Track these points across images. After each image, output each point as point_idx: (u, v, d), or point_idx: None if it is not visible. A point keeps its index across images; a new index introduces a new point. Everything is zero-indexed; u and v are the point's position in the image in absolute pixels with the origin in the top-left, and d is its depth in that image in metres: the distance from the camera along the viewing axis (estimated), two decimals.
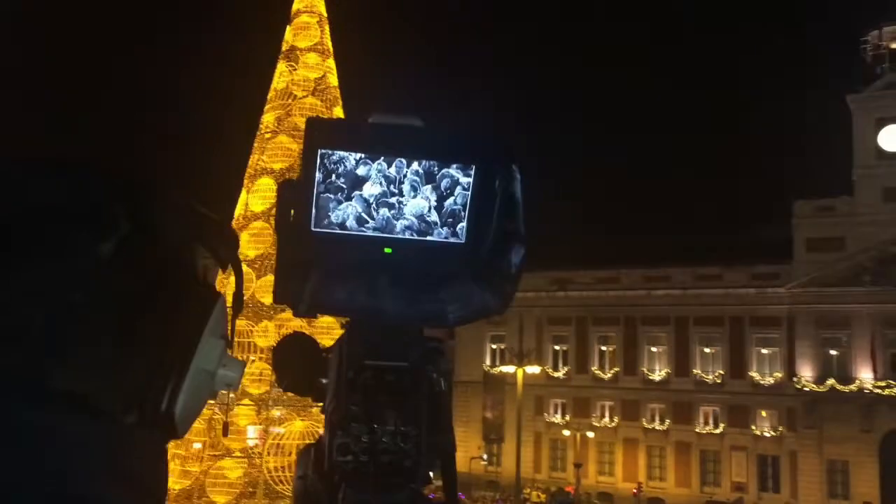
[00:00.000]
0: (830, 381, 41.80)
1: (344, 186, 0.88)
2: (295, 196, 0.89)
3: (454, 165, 0.85)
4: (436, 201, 0.86)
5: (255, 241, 30.85)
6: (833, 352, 42.72)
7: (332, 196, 0.88)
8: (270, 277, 30.52)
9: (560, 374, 50.00)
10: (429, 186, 0.86)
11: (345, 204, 0.88)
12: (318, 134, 0.89)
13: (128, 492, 0.64)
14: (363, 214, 0.88)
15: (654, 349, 47.66)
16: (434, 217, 0.85)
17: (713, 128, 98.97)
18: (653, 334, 47.44)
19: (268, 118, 30.05)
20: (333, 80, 30.19)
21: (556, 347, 50.49)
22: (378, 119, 0.85)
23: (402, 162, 0.87)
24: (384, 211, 0.87)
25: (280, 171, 29.31)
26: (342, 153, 0.87)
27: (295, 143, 29.95)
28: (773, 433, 43.84)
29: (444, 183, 0.85)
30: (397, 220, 0.87)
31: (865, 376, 41.25)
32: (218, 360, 0.71)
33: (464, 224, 0.85)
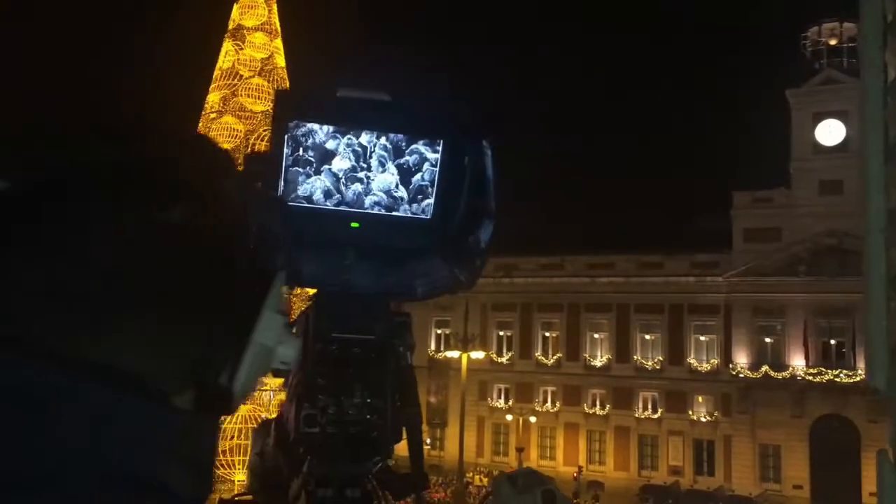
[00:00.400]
0: (764, 368, 42.95)
1: (313, 160, 0.87)
2: (263, 169, 0.90)
3: (422, 141, 0.85)
4: (403, 177, 0.85)
5: None
6: (768, 339, 43.89)
7: (300, 170, 0.88)
8: None
9: (504, 359, 50.43)
10: (396, 162, 0.86)
11: (314, 178, 0.88)
12: (289, 105, 0.89)
13: (187, 473, 0.61)
14: (331, 188, 0.88)
15: (596, 335, 48.37)
16: (402, 193, 0.86)
17: (658, 120, 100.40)
18: (595, 321, 48.14)
19: (213, 98, 29.49)
20: (281, 60, 29.75)
21: (501, 333, 50.90)
22: (346, 93, 0.85)
23: (371, 136, 0.86)
24: (355, 186, 0.87)
25: None
26: (312, 125, 0.87)
27: (241, 124, 29.51)
28: (708, 418, 44.92)
29: (412, 159, 0.85)
30: (366, 195, 0.87)
31: (798, 364, 42.47)
32: (277, 336, 0.68)
33: (431, 200, 0.85)
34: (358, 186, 0.86)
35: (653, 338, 46.87)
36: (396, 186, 0.84)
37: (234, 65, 30.40)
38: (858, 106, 1.51)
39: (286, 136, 0.86)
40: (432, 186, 0.84)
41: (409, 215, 0.84)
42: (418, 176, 0.84)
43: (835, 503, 39.48)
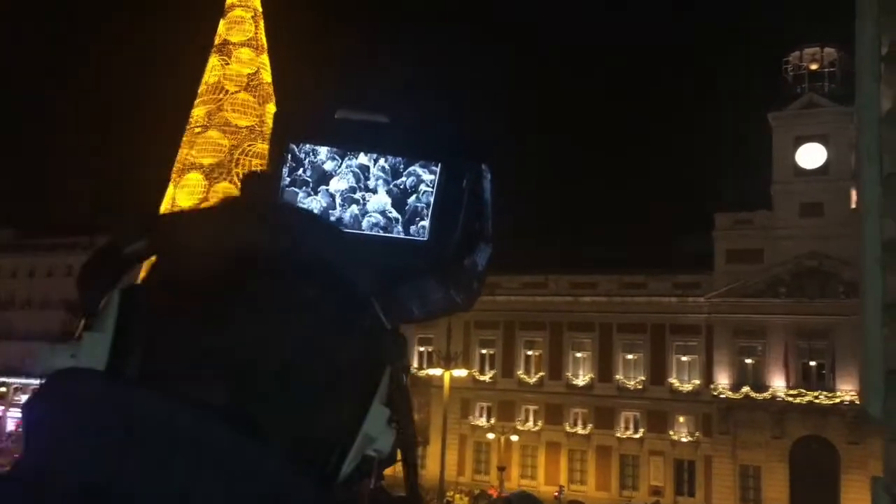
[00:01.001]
0: (745, 389, 43.14)
1: (310, 180, 0.87)
2: (262, 189, 0.89)
3: (420, 163, 0.84)
4: (400, 198, 0.85)
5: None
6: (748, 360, 44.11)
7: (297, 190, 0.87)
8: None
9: (486, 377, 50.32)
10: (394, 183, 0.85)
11: (310, 198, 0.87)
12: (291, 125, 0.89)
13: None
14: (328, 210, 0.87)
15: (578, 355, 48.40)
16: (395, 214, 0.85)
17: (643, 142, 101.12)
18: (578, 340, 48.19)
19: (198, 112, 29.47)
20: (267, 76, 29.78)
21: (483, 351, 50.80)
22: (344, 115, 0.85)
23: (370, 158, 0.86)
24: (352, 208, 0.86)
25: (209, 166, 28.74)
26: (312, 146, 0.87)
27: (226, 139, 29.46)
28: (689, 438, 44.99)
29: (409, 180, 0.85)
30: (364, 216, 0.86)
31: (778, 384, 42.70)
32: (381, 428, 0.67)
33: (426, 222, 0.85)
34: (355, 208, 0.87)
35: (635, 357, 46.97)
36: (392, 208, 0.85)
37: (219, 80, 30.45)
38: (858, 136, 1.52)
39: (287, 157, 0.86)
40: (428, 208, 0.84)
41: (405, 237, 0.85)
42: (414, 197, 0.84)
43: None
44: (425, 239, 0.82)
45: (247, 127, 31.33)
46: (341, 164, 0.86)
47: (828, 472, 41.44)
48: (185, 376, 0.61)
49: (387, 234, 0.84)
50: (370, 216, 0.86)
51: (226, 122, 30.22)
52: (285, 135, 0.87)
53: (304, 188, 0.87)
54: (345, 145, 0.87)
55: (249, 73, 31.00)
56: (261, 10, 31.00)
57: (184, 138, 29.89)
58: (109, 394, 0.59)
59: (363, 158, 0.86)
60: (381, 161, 0.85)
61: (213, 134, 30.13)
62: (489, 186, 0.80)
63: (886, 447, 1.36)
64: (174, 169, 30.06)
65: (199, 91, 31.23)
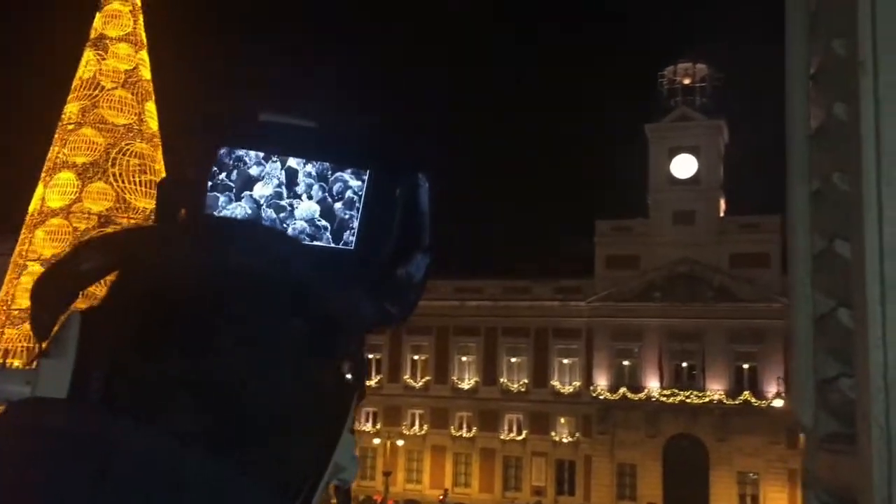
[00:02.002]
0: (622, 390, 44.67)
1: (233, 185, 0.81)
2: (186, 196, 0.83)
3: (348, 170, 0.80)
4: (326, 206, 0.81)
5: (50, 240, 28.61)
6: (626, 362, 45.70)
7: (219, 195, 0.83)
8: None
9: (372, 382, 50.11)
10: (320, 190, 0.81)
11: (233, 204, 0.83)
12: (218, 129, 0.83)
13: None
14: (251, 215, 0.82)
15: (464, 359, 48.89)
16: (324, 222, 0.80)
17: (527, 150, 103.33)
18: (463, 344, 48.68)
19: (71, 108, 28.01)
20: (146, 73, 28.61)
21: (370, 356, 50.59)
22: (269, 118, 0.80)
23: (297, 163, 0.81)
24: (273, 213, 0.82)
25: (83, 165, 27.35)
26: (241, 151, 0.81)
27: (101, 137, 28.10)
28: (570, 439, 46.18)
29: (336, 187, 0.80)
30: (288, 223, 0.84)
31: (653, 385, 44.43)
32: (349, 457, 0.65)
33: (354, 230, 0.82)
34: (280, 214, 0.86)
35: (519, 361, 47.85)
36: (319, 215, 0.84)
37: (95, 75, 29.02)
38: (786, 154, 1.59)
39: (214, 162, 0.85)
40: (356, 216, 0.84)
41: (332, 245, 0.84)
42: (340, 205, 0.84)
43: None
44: (352, 249, 0.81)
45: (124, 125, 29.97)
46: (265, 168, 0.82)
47: (698, 468, 43.46)
48: (156, 404, 0.57)
49: (313, 243, 0.83)
50: (296, 223, 0.83)
51: (101, 120, 28.79)
52: (214, 140, 0.83)
53: (226, 193, 0.83)
54: (271, 150, 0.84)
55: (127, 70, 29.66)
56: (140, 4, 29.71)
57: (55, 135, 28.28)
58: (81, 422, 0.55)
59: (291, 163, 0.83)
60: (308, 166, 0.82)
61: (87, 132, 28.64)
62: (426, 196, 0.78)
63: (811, 454, 1.41)
64: (44, 168, 28.39)
65: (72, 86, 29.64)
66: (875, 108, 1.31)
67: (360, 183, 0.80)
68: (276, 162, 0.81)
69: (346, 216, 0.80)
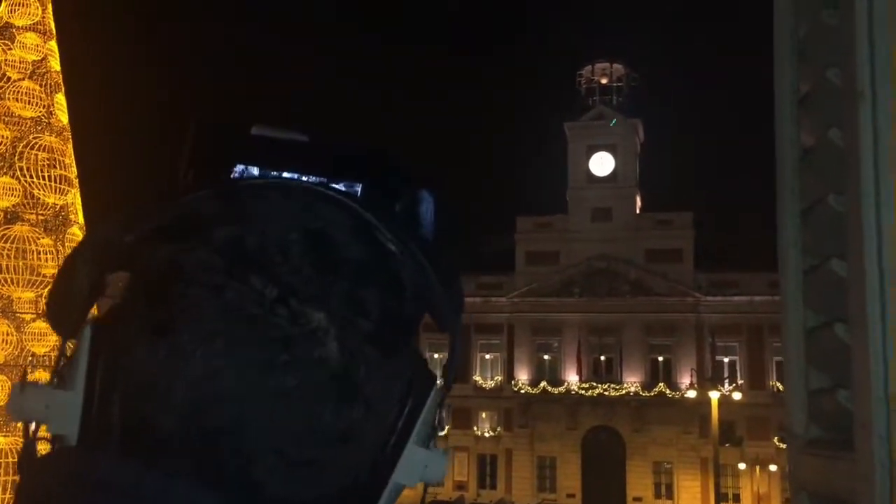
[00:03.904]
0: (543, 384, 45.36)
1: None
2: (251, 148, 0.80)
3: (342, 184, 0.80)
4: None
5: None
6: (546, 356, 46.43)
7: None
8: None
9: None
10: None
11: None
12: (235, 146, 0.81)
13: None
14: None
15: None
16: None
17: (448, 146, 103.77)
18: None
19: None
20: (56, 64, 27.54)
21: None
22: (260, 131, 0.82)
23: (290, 178, 0.81)
24: None
25: None
26: (240, 167, 0.81)
27: (8, 130, 26.91)
28: (492, 433, 46.65)
29: None
30: None
31: (572, 379, 45.26)
32: (419, 473, 0.58)
33: None
34: None
35: (441, 357, 47.86)
36: None
37: (0, 66, 27.76)
38: (777, 167, 1.67)
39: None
40: None
41: None
42: None
43: None
44: None
45: (32, 118, 28.84)
46: None
47: (615, 459, 44.52)
48: (183, 451, 0.52)
49: None
50: None
51: (7, 112, 27.64)
52: (219, 156, 0.82)
53: None
54: (268, 165, 0.82)
55: (35, 60, 28.51)
56: None
57: None
58: (120, 474, 0.51)
59: (284, 177, 0.83)
60: (303, 181, 0.82)
61: None
62: (430, 212, 0.73)
63: (796, 459, 1.49)
64: None
65: None
66: (874, 136, 1.40)
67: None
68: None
69: None
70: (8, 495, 19.68)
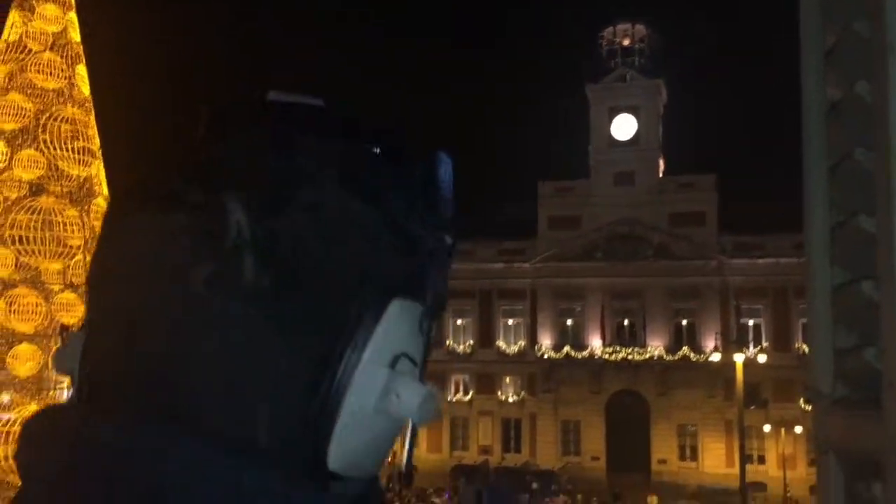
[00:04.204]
0: (566, 349, 45.46)
1: None
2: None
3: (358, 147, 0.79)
4: None
5: None
6: (569, 321, 46.46)
7: None
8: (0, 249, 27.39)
9: None
10: None
11: None
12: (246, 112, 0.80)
13: None
14: None
15: None
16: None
17: (470, 113, 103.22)
18: None
19: None
20: (76, 34, 27.62)
21: None
22: (277, 97, 0.81)
23: None
24: None
25: (11, 132, 26.43)
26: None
27: (30, 103, 27.09)
28: (516, 398, 46.93)
29: None
30: None
31: (595, 343, 45.31)
32: (381, 393, 0.57)
33: None
34: None
35: (464, 323, 48.26)
36: None
37: (21, 38, 27.90)
38: (803, 122, 1.64)
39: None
40: None
41: None
42: None
43: (627, 471, 42.60)
44: None
45: (54, 90, 28.99)
46: None
47: (639, 422, 44.67)
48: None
49: None
50: None
51: (30, 84, 27.77)
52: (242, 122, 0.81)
53: None
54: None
55: (55, 32, 28.59)
56: None
57: None
58: (125, 436, 0.52)
59: None
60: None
61: (15, 97, 27.62)
62: (447, 173, 0.73)
63: (822, 419, 1.47)
64: None
65: None
66: None
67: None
68: None
69: None
70: None
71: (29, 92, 27.27)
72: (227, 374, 0.53)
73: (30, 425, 0.56)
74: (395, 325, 0.58)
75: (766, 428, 40.63)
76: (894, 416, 1.41)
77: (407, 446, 0.64)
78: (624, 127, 47.94)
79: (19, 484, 0.55)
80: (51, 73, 27.68)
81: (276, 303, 0.54)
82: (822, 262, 1.67)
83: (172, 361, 0.54)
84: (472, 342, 47.89)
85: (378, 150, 0.67)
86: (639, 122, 47.71)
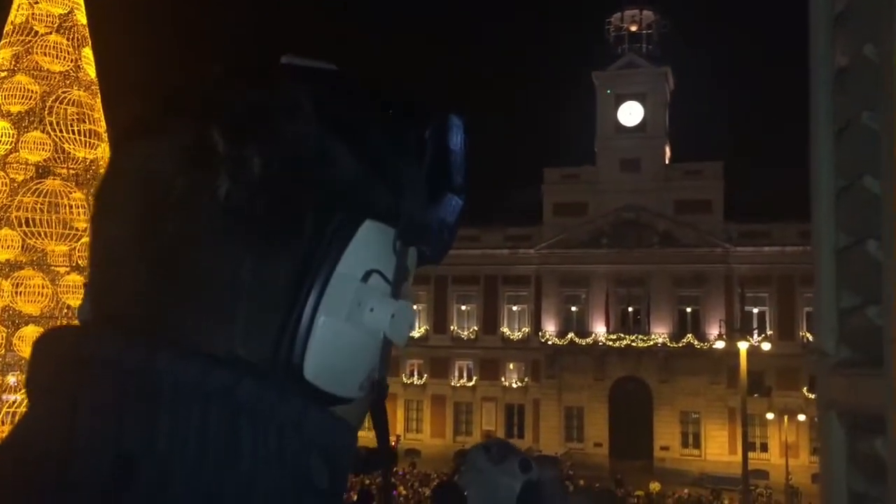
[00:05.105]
0: (570, 335, 45.51)
1: None
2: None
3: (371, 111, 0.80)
4: None
5: None
6: (573, 308, 46.51)
7: None
8: (6, 231, 27.50)
9: None
10: None
11: None
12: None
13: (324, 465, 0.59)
14: None
15: (414, 307, 48.74)
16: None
17: (475, 98, 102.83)
18: (414, 293, 48.68)
19: (3, 55, 26.92)
20: (82, 17, 27.59)
21: None
22: (290, 60, 0.81)
23: None
24: None
25: (18, 113, 26.48)
26: None
27: (36, 85, 27.11)
28: (519, 384, 47.05)
29: None
30: None
31: (600, 330, 45.36)
32: (351, 305, 0.59)
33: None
34: None
35: (469, 308, 48.34)
36: None
37: (27, 19, 27.87)
38: (810, 95, 1.66)
39: None
40: None
41: None
42: None
43: (630, 458, 42.77)
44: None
45: (60, 72, 28.97)
46: None
47: (642, 409, 44.79)
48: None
49: None
50: None
51: (36, 67, 27.77)
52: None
53: None
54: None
55: (61, 14, 28.56)
56: None
57: None
58: (125, 352, 0.55)
59: None
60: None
61: (21, 79, 27.64)
62: (459, 136, 0.74)
63: (826, 380, 1.50)
64: None
65: (3, 32, 28.53)
66: None
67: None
68: None
69: None
70: None
71: (35, 74, 27.29)
72: (205, 288, 0.57)
73: (39, 344, 0.59)
74: (366, 244, 0.61)
75: (769, 416, 40.71)
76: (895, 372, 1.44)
77: (379, 367, 0.66)
78: (630, 113, 47.81)
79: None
80: (57, 56, 27.67)
81: (252, 221, 0.57)
82: (827, 225, 1.69)
83: (155, 277, 0.57)
84: (476, 328, 47.98)
85: (387, 111, 0.71)
86: (645, 109, 47.57)
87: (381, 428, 0.73)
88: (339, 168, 0.61)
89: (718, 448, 43.22)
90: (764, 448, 42.29)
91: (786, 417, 39.81)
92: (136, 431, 0.53)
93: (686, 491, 34.91)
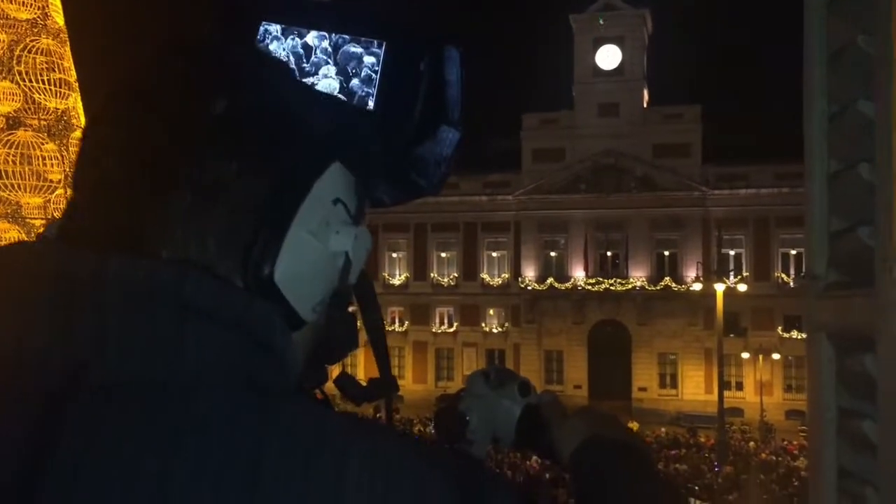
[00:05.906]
0: (550, 280, 45.87)
1: None
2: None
3: (364, 44, 0.77)
4: (343, 81, 0.78)
5: None
6: (553, 253, 46.79)
7: None
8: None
9: None
10: (336, 66, 0.78)
11: None
12: (256, 5, 0.78)
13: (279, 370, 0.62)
14: None
15: (394, 255, 49.27)
16: (343, 98, 0.78)
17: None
18: (393, 241, 48.94)
19: None
20: None
21: None
22: None
23: (314, 38, 0.78)
24: None
25: None
26: (268, 26, 0.78)
27: (2, 33, 26.46)
28: (499, 329, 47.51)
29: (353, 63, 0.77)
30: None
31: (579, 275, 45.73)
32: (320, 222, 0.64)
33: (372, 104, 0.77)
34: None
35: (448, 255, 48.48)
36: (338, 93, 0.77)
37: None
38: (804, 13, 1.66)
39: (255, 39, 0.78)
40: (372, 91, 0.76)
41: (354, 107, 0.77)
42: (357, 82, 0.76)
43: (609, 399, 43.52)
44: (374, 117, 0.76)
45: (27, 20, 28.26)
46: (284, 44, 0.78)
47: (621, 351, 45.46)
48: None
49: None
50: None
51: (2, 15, 27.11)
52: (253, 15, 0.78)
53: None
54: (292, 23, 0.78)
55: None
56: None
57: None
58: (74, 263, 0.57)
59: (309, 39, 0.78)
60: (325, 42, 0.78)
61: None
62: (455, 68, 0.75)
63: (815, 303, 1.54)
64: None
65: None
66: None
67: (373, 59, 0.76)
68: (294, 37, 0.78)
69: (363, 93, 0.76)
70: None
71: (2, 23, 26.60)
72: (183, 197, 0.59)
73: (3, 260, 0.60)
74: (333, 179, 0.66)
75: (745, 356, 41.50)
76: (886, 290, 1.49)
77: (340, 278, 0.68)
78: (608, 57, 47.45)
79: None
80: (23, 3, 26.95)
81: (237, 143, 0.61)
82: (820, 150, 1.72)
83: (133, 191, 0.60)
84: (456, 274, 48.20)
85: (381, 44, 0.73)
86: (623, 52, 47.23)
87: (381, 357, 0.75)
88: (324, 108, 0.67)
89: (695, 388, 44.09)
90: (739, 387, 43.20)
91: (760, 357, 40.61)
92: (86, 340, 0.53)
93: (664, 430, 35.67)
